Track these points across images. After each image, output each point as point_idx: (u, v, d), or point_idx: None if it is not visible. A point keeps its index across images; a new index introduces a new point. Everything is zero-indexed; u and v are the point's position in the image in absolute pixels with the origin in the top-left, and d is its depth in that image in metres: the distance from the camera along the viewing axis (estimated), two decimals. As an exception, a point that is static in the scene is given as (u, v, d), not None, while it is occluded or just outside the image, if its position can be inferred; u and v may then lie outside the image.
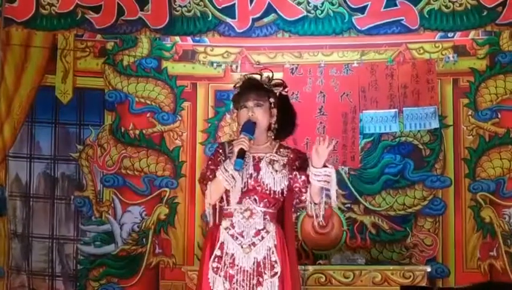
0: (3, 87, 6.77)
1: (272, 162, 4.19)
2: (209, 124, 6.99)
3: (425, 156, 6.89)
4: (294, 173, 4.16)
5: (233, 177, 4.07)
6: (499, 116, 6.86)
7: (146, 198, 6.92)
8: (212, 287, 4.12)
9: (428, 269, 6.36)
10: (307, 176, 4.09)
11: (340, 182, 6.84)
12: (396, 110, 6.73)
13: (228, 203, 4.20)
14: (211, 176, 4.17)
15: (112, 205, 6.90)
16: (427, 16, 6.75)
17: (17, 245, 6.82)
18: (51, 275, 6.85)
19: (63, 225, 6.90)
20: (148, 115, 6.98)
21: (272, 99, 4.23)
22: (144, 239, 6.88)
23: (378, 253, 6.81)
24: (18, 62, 6.83)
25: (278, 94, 4.26)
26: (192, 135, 6.97)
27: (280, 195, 4.18)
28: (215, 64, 6.94)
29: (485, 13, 6.70)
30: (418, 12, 6.73)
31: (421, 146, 6.90)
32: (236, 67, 6.94)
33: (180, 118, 6.98)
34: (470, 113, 6.89)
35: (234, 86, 4.32)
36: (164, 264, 6.88)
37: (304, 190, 4.15)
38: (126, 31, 6.85)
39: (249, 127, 4.12)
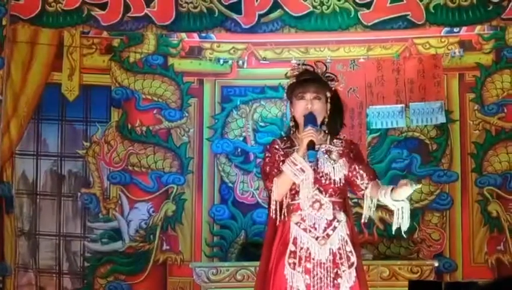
0: (10, 85, 6.76)
1: (328, 153, 4.17)
2: (216, 120, 6.98)
3: (432, 151, 6.90)
4: (353, 165, 4.16)
5: (302, 170, 4.04)
6: (505, 110, 6.87)
7: (153, 195, 6.91)
8: (291, 283, 4.05)
9: (436, 264, 6.37)
10: (364, 170, 4.14)
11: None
12: (403, 105, 6.73)
13: (292, 198, 4.16)
14: (273, 172, 4.13)
15: (119, 202, 6.90)
16: (432, 11, 6.74)
17: (24, 243, 6.81)
18: (58, 273, 6.85)
19: (70, 222, 6.90)
20: (154, 111, 6.97)
21: (328, 94, 4.21)
22: (152, 236, 6.87)
23: (385, 248, 6.81)
24: (24, 59, 6.83)
25: (333, 89, 4.25)
26: (199, 131, 6.97)
27: (340, 184, 4.15)
28: (221, 61, 6.94)
29: (490, 8, 6.70)
30: (424, 7, 6.73)
31: (427, 141, 6.90)
32: (243, 63, 6.95)
33: (186, 115, 6.98)
34: (476, 107, 6.90)
35: (287, 76, 4.29)
36: (172, 261, 6.87)
37: (361, 185, 4.15)
38: (132, 28, 6.84)
39: (312, 119, 4.11)
